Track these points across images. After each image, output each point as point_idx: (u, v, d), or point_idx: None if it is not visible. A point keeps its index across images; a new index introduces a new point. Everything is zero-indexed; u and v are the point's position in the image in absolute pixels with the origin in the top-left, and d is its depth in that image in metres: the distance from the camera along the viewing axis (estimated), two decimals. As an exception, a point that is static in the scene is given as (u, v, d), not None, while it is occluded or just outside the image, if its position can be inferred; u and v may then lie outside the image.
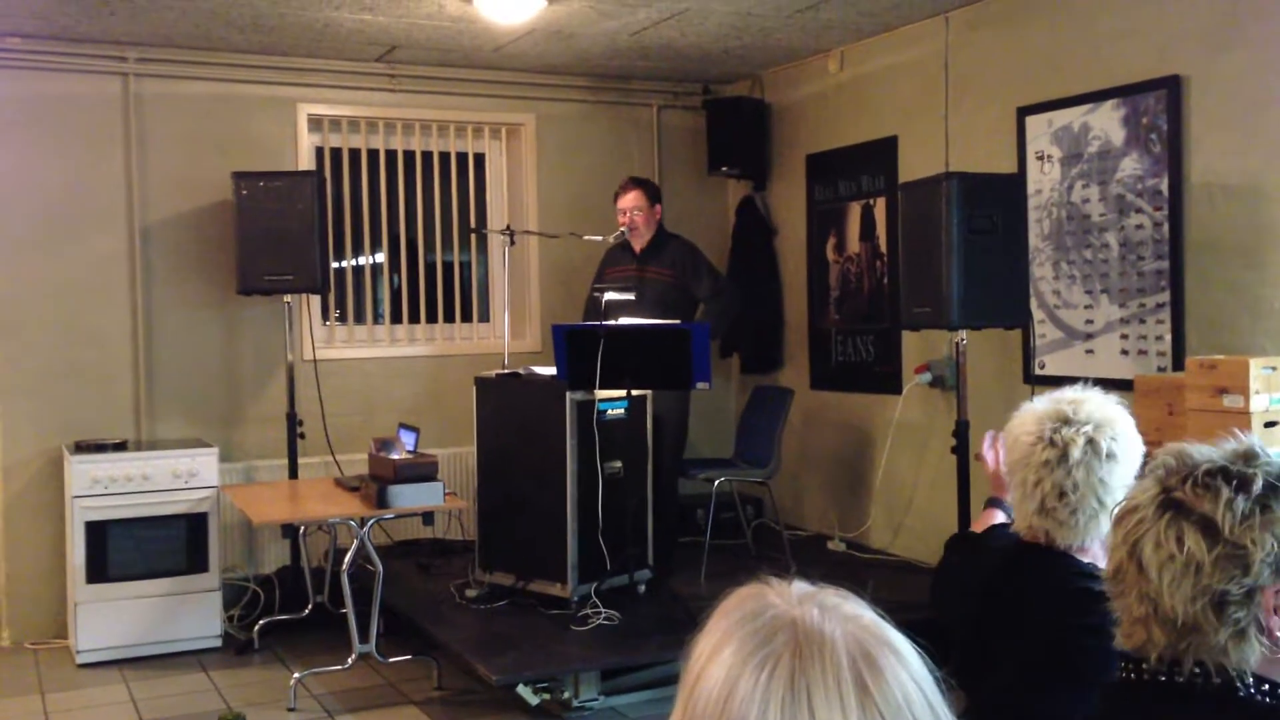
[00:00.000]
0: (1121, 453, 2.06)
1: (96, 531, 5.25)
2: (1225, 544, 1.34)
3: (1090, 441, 2.04)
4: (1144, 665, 1.42)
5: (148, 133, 5.83)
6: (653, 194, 5.82)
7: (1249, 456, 1.39)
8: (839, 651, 0.90)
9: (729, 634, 0.93)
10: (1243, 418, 3.65)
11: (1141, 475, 1.51)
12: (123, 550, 5.28)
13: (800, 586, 0.97)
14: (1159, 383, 4.13)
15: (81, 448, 5.38)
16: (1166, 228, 4.55)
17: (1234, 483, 1.36)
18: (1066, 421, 2.07)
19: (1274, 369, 3.73)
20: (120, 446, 5.45)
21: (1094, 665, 1.86)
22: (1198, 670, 1.38)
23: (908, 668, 0.91)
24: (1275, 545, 1.34)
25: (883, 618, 0.96)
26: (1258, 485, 1.35)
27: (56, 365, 5.66)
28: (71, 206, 5.70)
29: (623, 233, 5.77)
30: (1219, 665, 1.37)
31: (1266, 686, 1.36)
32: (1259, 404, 3.68)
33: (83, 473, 5.26)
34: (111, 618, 5.25)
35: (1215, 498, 1.36)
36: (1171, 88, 4.49)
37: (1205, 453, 1.41)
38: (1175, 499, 1.38)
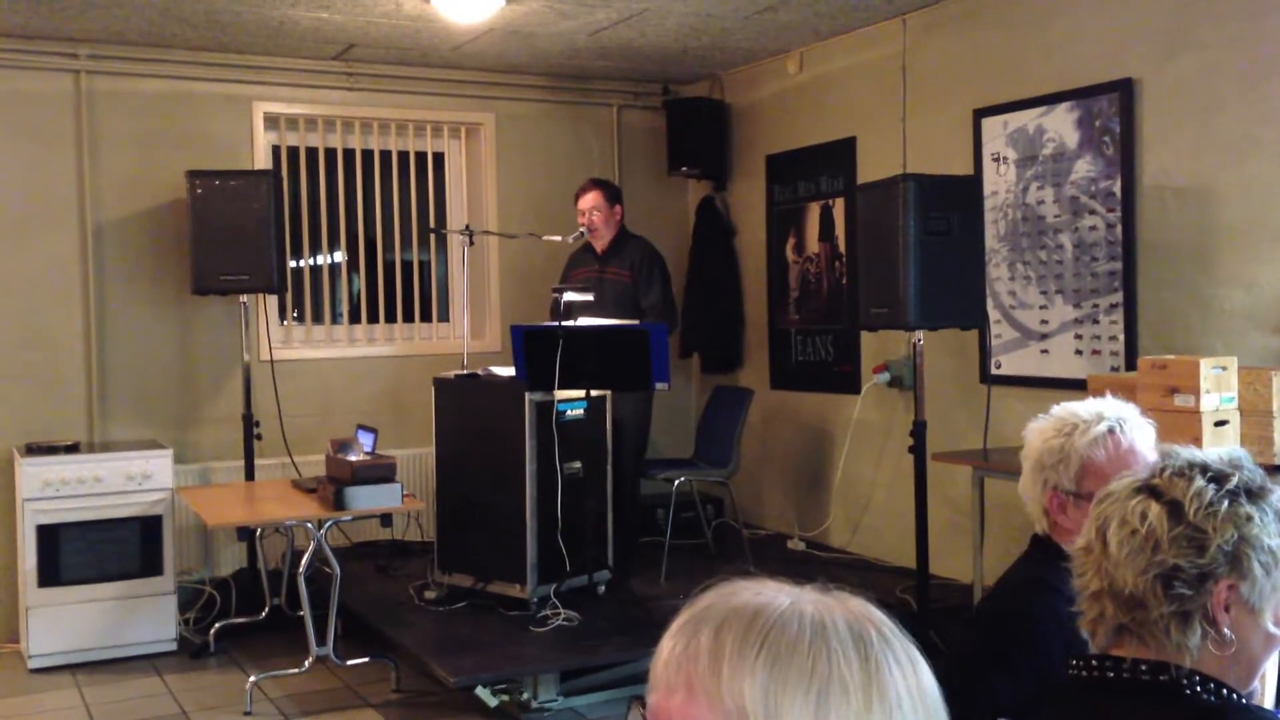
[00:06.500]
0: None
1: (48, 535, 5.17)
2: (1187, 525, 1.38)
3: None
4: (1093, 662, 1.45)
5: (100, 131, 5.75)
6: (612, 195, 5.81)
7: (1233, 462, 1.45)
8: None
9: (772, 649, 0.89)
10: (1193, 417, 3.71)
11: None
12: (75, 553, 5.20)
13: (811, 590, 0.96)
14: (1112, 382, 4.18)
15: (33, 450, 5.29)
16: (1119, 229, 4.61)
17: (1209, 475, 1.41)
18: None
19: (1224, 369, 3.79)
20: (72, 448, 5.37)
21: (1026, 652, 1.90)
22: (1145, 667, 1.40)
23: (920, 673, 0.92)
24: (1235, 537, 1.37)
25: (890, 618, 0.96)
26: (1232, 483, 1.40)
27: (7, 366, 5.57)
28: (22, 205, 5.61)
29: (582, 233, 5.77)
30: (1165, 662, 1.39)
31: (1213, 685, 1.38)
32: (1209, 403, 3.74)
33: (34, 475, 5.17)
34: (64, 622, 5.18)
35: (1188, 485, 1.41)
36: (1124, 91, 4.55)
37: (1192, 452, 1.47)
38: (1151, 484, 1.44)
